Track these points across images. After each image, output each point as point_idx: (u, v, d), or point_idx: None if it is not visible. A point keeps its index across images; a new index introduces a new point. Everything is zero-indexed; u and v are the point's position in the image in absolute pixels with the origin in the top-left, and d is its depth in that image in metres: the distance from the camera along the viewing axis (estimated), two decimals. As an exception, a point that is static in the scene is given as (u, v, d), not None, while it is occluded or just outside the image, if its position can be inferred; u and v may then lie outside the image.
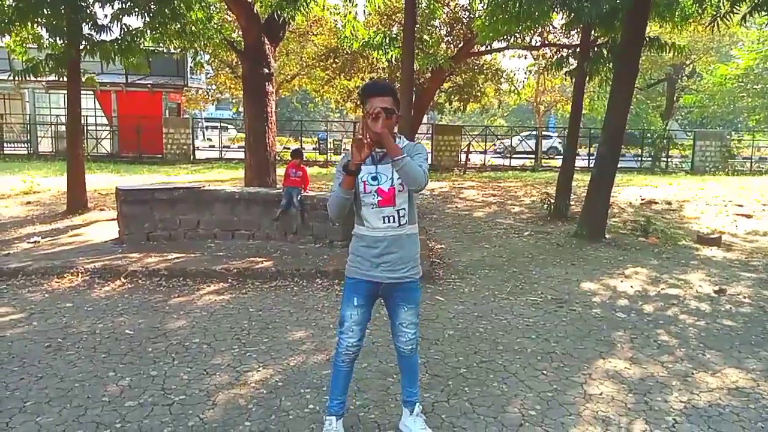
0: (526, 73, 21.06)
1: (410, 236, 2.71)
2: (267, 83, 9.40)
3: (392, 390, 3.38)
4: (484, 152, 21.98)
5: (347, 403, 2.96)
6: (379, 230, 2.65)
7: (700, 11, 7.42)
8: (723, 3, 6.63)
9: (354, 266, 2.73)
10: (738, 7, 6.67)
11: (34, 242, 7.11)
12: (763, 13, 6.34)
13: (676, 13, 7.58)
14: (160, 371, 3.62)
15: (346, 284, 2.77)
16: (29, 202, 10.24)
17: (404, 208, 2.66)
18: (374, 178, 2.64)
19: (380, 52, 9.84)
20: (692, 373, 3.73)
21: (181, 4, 8.68)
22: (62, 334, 4.23)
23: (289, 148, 24.37)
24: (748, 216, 9.57)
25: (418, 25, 11.31)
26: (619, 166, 8.42)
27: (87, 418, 3.05)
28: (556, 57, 12.38)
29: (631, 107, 9.32)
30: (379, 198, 2.63)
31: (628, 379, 3.63)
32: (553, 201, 9.42)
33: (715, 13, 6.86)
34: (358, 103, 21.03)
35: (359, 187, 2.65)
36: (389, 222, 2.65)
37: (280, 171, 10.46)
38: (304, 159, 11.32)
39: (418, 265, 2.75)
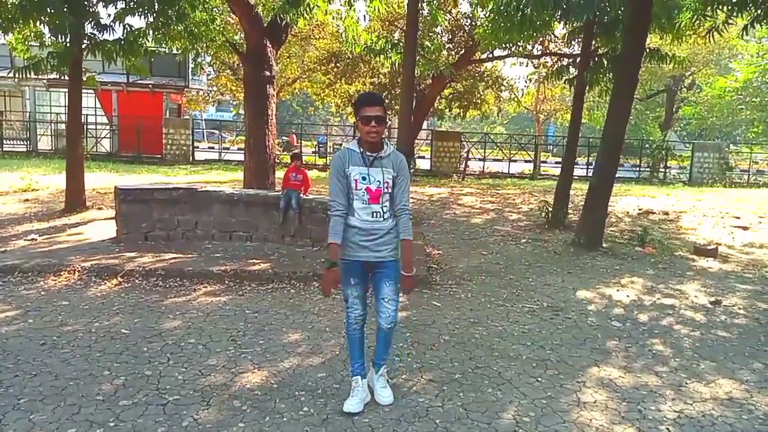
0: (526, 81, 21.17)
1: (391, 227, 3.21)
2: (268, 86, 9.43)
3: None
4: (483, 159, 22.04)
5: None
6: (367, 222, 3.17)
7: (697, 24, 7.48)
8: (717, 14, 6.67)
9: (348, 250, 3.19)
10: (733, 19, 6.72)
11: (32, 240, 7.10)
12: (763, 26, 6.38)
13: (675, 25, 7.62)
14: (155, 371, 3.62)
15: (342, 266, 3.20)
16: (27, 200, 10.24)
17: (386, 205, 3.19)
18: (364, 178, 3.13)
19: (382, 57, 9.88)
20: (686, 383, 3.75)
21: (185, 5, 8.71)
22: (57, 332, 4.23)
23: (288, 152, 24.44)
24: (745, 228, 9.60)
25: (419, 32, 11.37)
26: (617, 175, 8.45)
27: (81, 417, 3.05)
28: (556, 66, 12.44)
29: (631, 118, 9.36)
30: (368, 196, 3.14)
31: (622, 387, 3.64)
32: (551, 209, 9.44)
33: (711, 25, 6.92)
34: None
35: (352, 183, 3.13)
36: (375, 217, 3.17)
37: (279, 174, 10.49)
38: (303, 162, 11.31)
39: (396, 248, 3.24)
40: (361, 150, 3.15)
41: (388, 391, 3.31)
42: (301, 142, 24.88)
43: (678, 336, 4.65)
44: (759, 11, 6.16)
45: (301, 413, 3.16)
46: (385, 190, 3.15)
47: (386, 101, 17.42)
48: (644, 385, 3.69)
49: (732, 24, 6.86)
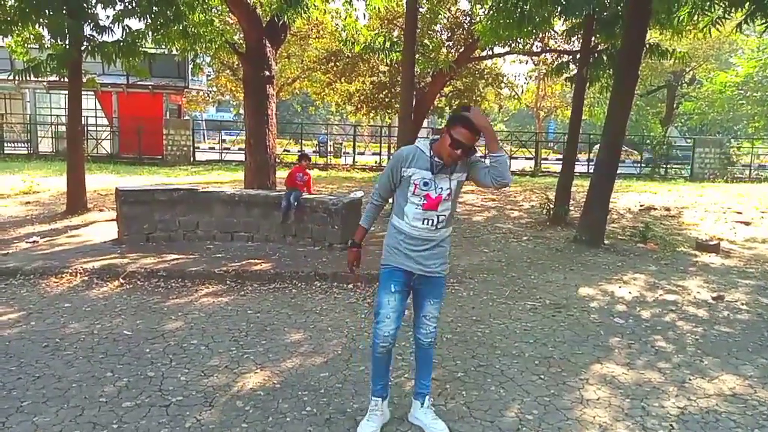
0: (526, 78, 21.12)
1: (444, 239, 2.91)
2: (268, 86, 9.42)
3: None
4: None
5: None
6: (416, 230, 2.84)
7: (696, 19, 7.47)
8: (714, 8, 6.67)
9: (390, 255, 2.91)
10: (730, 14, 6.72)
11: (33, 242, 7.10)
12: (760, 21, 6.37)
13: (674, 20, 7.61)
14: (158, 372, 3.62)
15: (382, 273, 2.93)
16: (29, 202, 10.25)
17: (444, 215, 2.84)
18: (426, 184, 2.80)
19: (382, 55, 9.86)
20: (689, 379, 3.74)
21: (184, 7, 8.70)
22: (60, 334, 4.23)
23: (289, 151, 24.49)
24: (747, 223, 9.59)
25: (419, 30, 11.34)
26: (618, 172, 8.43)
27: (84, 419, 3.05)
28: (556, 63, 12.41)
29: (631, 113, 9.35)
30: (425, 202, 2.81)
31: (624, 384, 3.64)
32: (552, 206, 9.43)
33: (710, 20, 6.92)
34: (358, 106, 20.78)
35: (410, 187, 2.82)
36: (427, 224, 2.83)
37: (280, 173, 10.48)
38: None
39: (447, 262, 2.95)
40: (431, 154, 2.81)
41: (441, 424, 2.96)
42: (301, 142, 24.86)
43: (681, 332, 4.65)
44: (753, 6, 6.16)
45: (304, 413, 3.16)
46: (446, 198, 2.82)
47: (386, 100, 17.44)
48: (647, 381, 3.69)
49: (729, 19, 6.85)
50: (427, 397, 3.03)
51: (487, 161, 2.85)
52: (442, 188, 2.81)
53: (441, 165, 2.80)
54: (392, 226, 2.94)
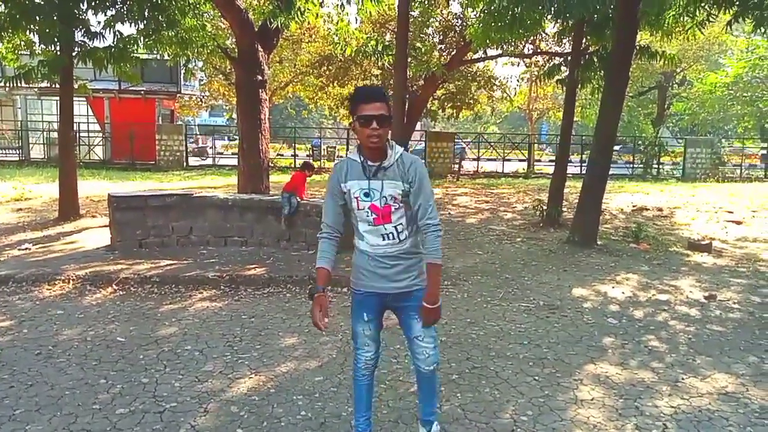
0: (518, 80, 21.23)
1: (413, 248, 2.60)
2: (260, 90, 9.41)
3: (384, 396, 3.39)
4: (477, 159, 22.08)
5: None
6: (379, 247, 2.57)
7: (683, 21, 7.56)
8: (698, 12, 6.76)
9: (359, 279, 2.65)
10: (716, 17, 6.81)
11: (25, 249, 7.06)
12: (747, 20, 6.45)
13: (663, 23, 7.68)
14: (152, 378, 3.61)
15: (354, 299, 2.70)
16: (20, 209, 10.18)
17: (402, 223, 2.55)
18: (366, 195, 2.53)
19: (373, 58, 9.89)
20: (682, 379, 3.76)
21: (175, 12, 8.69)
22: (53, 342, 4.21)
23: (282, 155, 24.45)
24: (738, 222, 9.65)
25: (411, 33, 11.38)
26: (610, 172, 8.48)
27: (77, 426, 3.03)
28: (548, 65, 12.48)
29: (623, 115, 9.42)
30: (374, 216, 2.53)
31: (618, 384, 3.66)
32: (545, 207, 9.47)
33: (695, 22, 7.01)
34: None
35: (352, 203, 2.55)
36: (389, 239, 2.56)
37: (274, 178, 10.48)
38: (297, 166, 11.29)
39: (423, 273, 2.61)
40: (362, 159, 2.54)
41: None
42: (294, 146, 24.85)
43: (673, 331, 4.68)
44: (738, 8, 6.25)
45: (298, 417, 3.16)
46: (396, 206, 2.52)
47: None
48: (641, 381, 3.71)
49: (713, 21, 6.95)
50: (435, 423, 2.76)
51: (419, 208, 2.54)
52: (385, 196, 2.51)
53: (375, 167, 2.51)
54: (356, 248, 2.67)
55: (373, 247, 2.58)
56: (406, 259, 2.59)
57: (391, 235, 2.55)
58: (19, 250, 7.05)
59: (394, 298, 2.62)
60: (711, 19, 6.82)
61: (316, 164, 21.92)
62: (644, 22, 8.22)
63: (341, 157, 24.28)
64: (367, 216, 2.55)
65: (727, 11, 6.67)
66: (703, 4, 6.58)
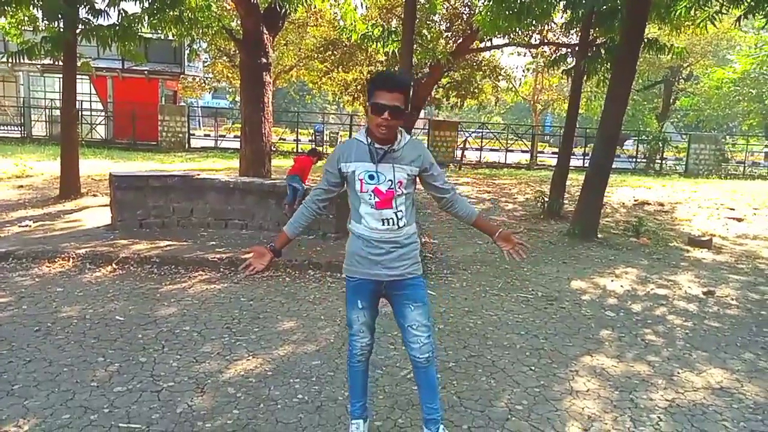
0: (524, 70, 21.09)
1: (409, 236, 2.61)
2: (264, 73, 9.36)
3: (380, 382, 3.41)
4: (480, 149, 22.02)
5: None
6: (377, 231, 2.54)
7: (694, 14, 7.47)
8: (711, 3, 6.68)
9: (352, 266, 2.62)
10: (728, 10, 6.73)
11: (26, 226, 7.07)
12: (760, 15, 6.37)
13: (674, 15, 7.60)
14: (150, 358, 3.63)
15: (348, 286, 2.68)
16: (21, 186, 10.18)
17: (402, 210, 2.54)
18: (371, 177, 2.49)
19: (379, 44, 9.81)
20: (678, 373, 3.78)
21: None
22: (52, 319, 4.22)
23: (285, 140, 24.35)
24: (739, 219, 9.64)
25: (417, 20, 11.27)
26: (613, 166, 8.45)
27: (75, 403, 3.05)
28: (554, 55, 12.38)
29: (628, 108, 9.35)
30: (377, 199, 2.51)
31: (614, 376, 3.67)
32: (546, 199, 9.45)
33: (707, 15, 6.93)
34: (355, 96, 20.62)
35: (356, 184, 2.52)
36: (388, 224, 2.53)
37: (276, 162, 10.45)
38: (300, 151, 11.26)
39: (418, 261, 2.64)
40: (369, 141, 2.51)
41: None
42: (297, 131, 24.78)
43: (671, 326, 4.69)
44: (752, 2, 6.17)
45: (295, 400, 3.18)
46: (400, 191, 2.51)
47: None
48: (636, 374, 3.72)
49: (726, 14, 6.86)
50: (441, 426, 2.66)
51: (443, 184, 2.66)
52: (391, 180, 2.49)
53: (383, 152, 2.49)
54: (351, 232, 2.63)
55: (371, 230, 2.54)
56: (401, 246, 2.57)
57: (391, 221, 2.54)
58: (19, 227, 7.05)
59: (389, 286, 2.60)
60: (723, 12, 6.72)
61: (318, 149, 21.96)
62: (654, 14, 8.14)
63: (342, 142, 24.15)
64: (370, 199, 2.52)
65: (739, 5, 6.58)
66: None
